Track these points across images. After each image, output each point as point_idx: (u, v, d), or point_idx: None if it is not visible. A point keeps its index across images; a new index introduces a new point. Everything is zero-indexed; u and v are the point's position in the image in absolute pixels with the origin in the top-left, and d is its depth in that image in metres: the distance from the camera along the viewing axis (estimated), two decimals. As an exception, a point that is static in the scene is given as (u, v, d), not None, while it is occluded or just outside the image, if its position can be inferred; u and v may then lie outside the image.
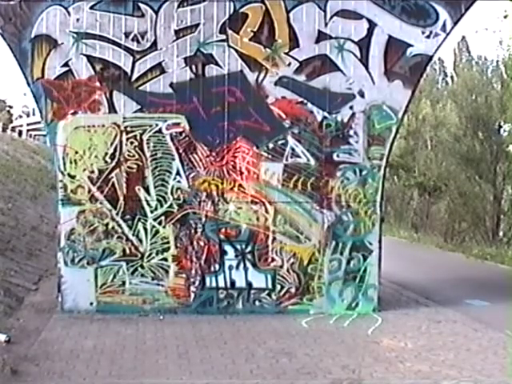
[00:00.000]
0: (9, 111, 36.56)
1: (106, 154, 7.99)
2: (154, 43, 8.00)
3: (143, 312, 7.92)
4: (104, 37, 7.95)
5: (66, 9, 7.91)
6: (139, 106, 8.01)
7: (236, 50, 8.03)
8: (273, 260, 8.08)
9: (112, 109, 7.99)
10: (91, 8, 7.93)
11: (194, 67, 8.04)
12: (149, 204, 8.01)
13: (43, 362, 5.91)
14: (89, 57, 7.96)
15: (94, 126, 7.98)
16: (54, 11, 7.90)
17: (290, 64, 8.09)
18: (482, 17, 19.24)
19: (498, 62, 22.18)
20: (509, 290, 9.78)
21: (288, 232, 8.10)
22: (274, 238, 8.08)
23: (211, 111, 8.01)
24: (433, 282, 10.97)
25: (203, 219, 8.04)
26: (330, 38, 8.10)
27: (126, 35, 7.98)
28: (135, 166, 8.01)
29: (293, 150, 8.13)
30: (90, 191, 7.98)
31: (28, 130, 42.30)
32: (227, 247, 8.06)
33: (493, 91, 21.73)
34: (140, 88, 8.00)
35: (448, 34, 8.23)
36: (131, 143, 8.00)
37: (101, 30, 7.95)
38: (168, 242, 8.02)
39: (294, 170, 8.12)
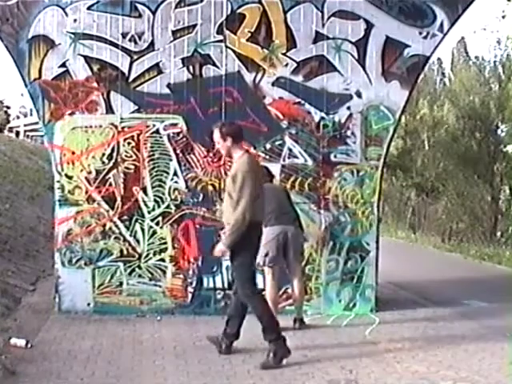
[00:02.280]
0: (6, 112, 36.49)
1: (104, 154, 7.99)
2: (152, 44, 8.00)
3: (140, 313, 7.92)
4: (101, 37, 7.94)
5: (63, 9, 7.90)
6: (136, 107, 8.01)
7: (233, 51, 8.03)
8: (270, 260, 8.08)
9: (109, 109, 7.99)
10: (88, 8, 7.93)
11: (191, 68, 8.04)
12: (146, 205, 8.01)
13: (40, 362, 5.91)
14: (86, 57, 7.96)
15: (91, 127, 7.98)
16: (51, 12, 7.89)
17: (287, 64, 8.09)
18: (480, 17, 19.27)
19: (495, 62, 22.22)
20: (506, 291, 9.79)
21: (285, 232, 8.09)
22: (272, 239, 8.07)
23: (208, 112, 8.01)
24: (430, 283, 10.97)
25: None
26: (328, 38, 8.10)
27: (124, 36, 7.97)
28: (132, 167, 8.01)
29: (290, 150, 8.13)
30: (87, 192, 7.98)
31: (25, 131, 42.30)
32: (225, 248, 8.05)
33: (490, 91, 21.77)
34: (137, 89, 8.00)
35: (445, 35, 8.23)
36: (128, 144, 8.00)
37: (98, 31, 7.94)
38: (165, 243, 8.01)
39: (292, 171, 8.12)
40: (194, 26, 8.01)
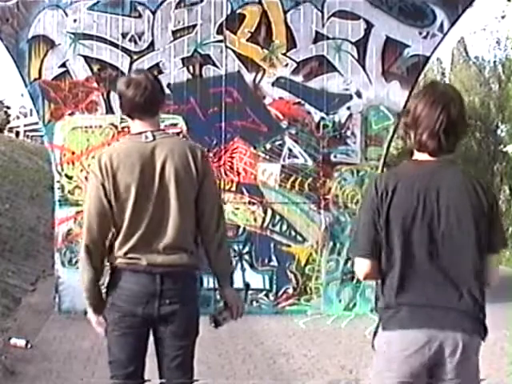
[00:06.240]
0: (6, 112, 36.45)
1: (104, 154, 7.98)
2: (152, 44, 8.00)
3: (141, 313, 7.90)
4: (101, 37, 7.95)
5: (63, 10, 7.91)
6: (136, 107, 8.00)
7: (233, 51, 8.04)
8: (270, 261, 8.09)
9: (109, 109, 7.99)
10: (88, 9, 7.93)
11: (191, 68, 8.05)
12: (146, 205, 7.99)
13: (40, 362, 5.90)
14: (86, 57, 7.96)
15: (91, 127, 7.98)
16: (51, 12, 7.90)
17: (287, 65, 8.10)
18: (480, 17, 19.26)
19: (495, 62, 22.22)
20: (506, 291, 9.77)
21: (285, 233, 8.10)
22: (272, 239, 8.08)
23: (208, 112, 8.01)
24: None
25: (201, 220, 8.03)
26: (328, 38, 8.11)
27: (124, 36, 7.98)
28: (132, 167, 7.99)
29: (290, 150, 8.13)
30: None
31: (25, 131, 42.24)
32: (225, 248, 8.04)
33: (490, 91, 21.77)
34: (137, 89, 7.99)
35: (445, 35, 8.24)
36: (128, 144, 7.99)
37: (98, 31, 7.95)
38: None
39: (292, 171, 8.12)
40: (194, 26, 8.01)
